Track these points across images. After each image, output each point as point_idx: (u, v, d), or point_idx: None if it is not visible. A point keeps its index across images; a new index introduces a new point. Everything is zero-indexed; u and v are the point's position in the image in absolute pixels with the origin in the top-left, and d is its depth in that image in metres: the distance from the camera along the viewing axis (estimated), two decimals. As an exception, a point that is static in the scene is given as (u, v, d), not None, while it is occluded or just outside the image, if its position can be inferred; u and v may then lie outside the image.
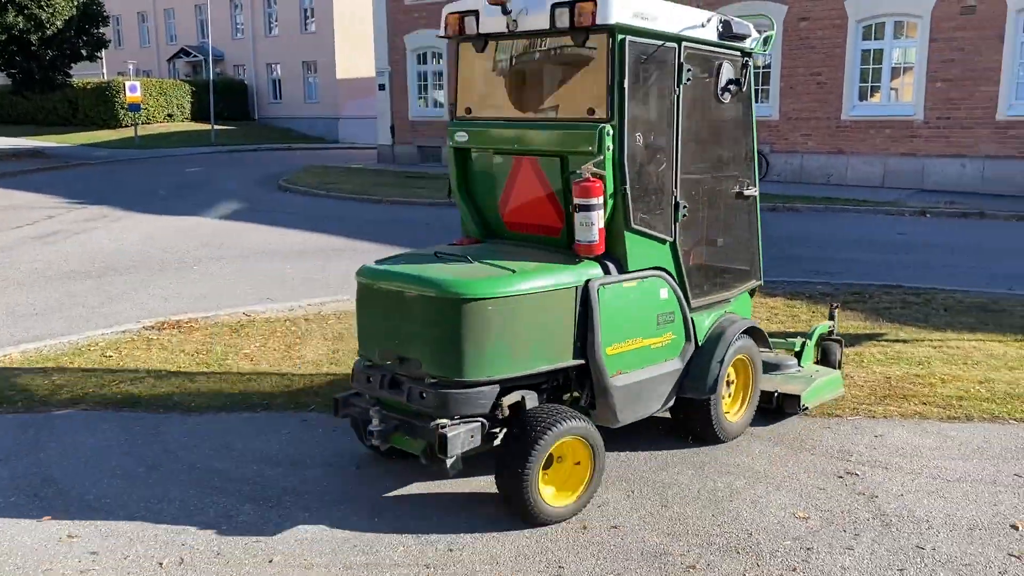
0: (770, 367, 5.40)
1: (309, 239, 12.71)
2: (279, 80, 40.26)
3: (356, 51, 35.61)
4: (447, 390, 3.83)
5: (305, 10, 37.93)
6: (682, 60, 4.39)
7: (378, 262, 4.27)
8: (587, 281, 4.13)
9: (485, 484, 4.31)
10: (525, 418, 3.90)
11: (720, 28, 4.61)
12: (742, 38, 4.76)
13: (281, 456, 4.80)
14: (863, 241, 12.15)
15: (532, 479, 3.79)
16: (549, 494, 3.92)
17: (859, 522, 4.00)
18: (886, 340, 6.99)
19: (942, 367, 6.29)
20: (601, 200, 4.12)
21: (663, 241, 4.50)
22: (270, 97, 40.87)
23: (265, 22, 39.91)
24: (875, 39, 17.59)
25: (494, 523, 3.98)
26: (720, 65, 4.69)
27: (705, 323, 4.79)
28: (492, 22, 4.37)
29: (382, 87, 25.83)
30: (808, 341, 5.63)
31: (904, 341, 6.99)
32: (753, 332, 5.04)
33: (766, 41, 4.98)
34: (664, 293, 4.47)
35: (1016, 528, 3.94)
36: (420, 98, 25.56)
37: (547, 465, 3.90)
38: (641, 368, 4.38)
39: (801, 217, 14.60)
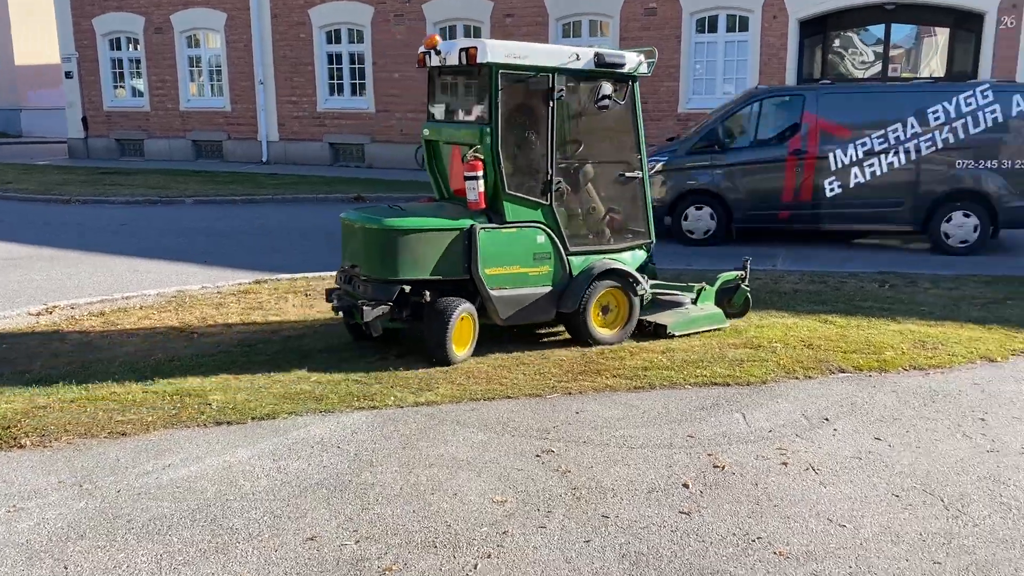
0: (669, 304, 7.26)
1: (-24, 248, 11.07)
2: (-59, 65, 34.82)
3: (38, 34, 31.72)
4: (370, 283, 6.16)
5: (-30, -14, 33.12)
6: (553, 84, 6.33)
7: (352, 209, 6.71)
8: (471, 225, 6.20)
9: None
10: (440, 303, 6.14)
11: (595, 59, 6.44)
12: (617, 65, 6.53)
13: (-86, 508, 4.05)
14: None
15: (450, 337, 6.08)
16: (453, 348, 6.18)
17: (553, 498, 4.15)
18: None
19: (630, 341, 6.78)
20: (480, 174, 6.20)
21: (539, 205, 6.44)
22: (-70, 85, 35.27)
23: (-82, -3, 34.29)
24: (574, 36, 18.73)
25: (181, 559, 3.63)
26: (599, 86, 6.51)
27: (581, 264, 6.66)
28: (435, 59, 6.63)
29: (69, 75, 23.24)
30: (708, 286, 7.35)
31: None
32: (619, 273, 6.72)
33: (649, 65, 6.77)
34: (541, 239, 6.47)
35: (687, 486, 4.30)
36: (117, 87, 23.35)
37: None
38: (518, 287, 6.42)
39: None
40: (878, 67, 19.00)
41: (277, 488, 4.25)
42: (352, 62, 20.55)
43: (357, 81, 20.64)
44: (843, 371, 6.09)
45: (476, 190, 6.20)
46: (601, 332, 6.74)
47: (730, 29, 17.61)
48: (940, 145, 10.60)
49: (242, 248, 11.22)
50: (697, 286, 7.36)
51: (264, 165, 21.06)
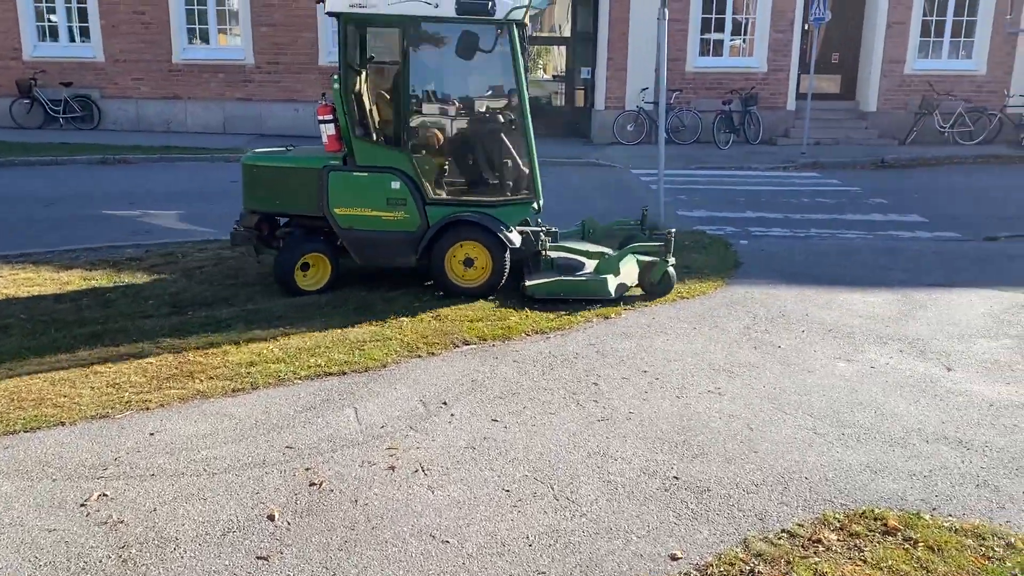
0: (568, 269, 6.91)
1: None
2: None
3: None
4: (244, 212, 6.94)
5: None
6: (406, 32, 6.35)
7: (258, 150, 7.22)
8: (324, 167, 6.51)
9: None
10: (292, 238, 6.76)
11: (456, 6, 6.23)
12: (480, 12, 6.23)
13: None
14: (195, 192, 11.49)
15: (293, 270, 6.60)
16: (306, 284, 6.69)
17: (89, 569, 3.17)
18: (165, 307, 6.33)
19: (241, 331, 5.84)
20: (329, 117, 6.55)
21: (394, 150, 6.56)
22: None
23: None
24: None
25: None
26: (463, 33, 6.18)
27: (440, 214, 6.58)
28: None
29: None
30: (608, 253, 6.95)
31: (181, 310, 6.43)
32: (477, 227, 6.55)
33: (526, 11, 6.41)
34: (396, 185, 6.52)
35: (273, 519, 3.55)
36: None
37: (304, 268, 6.71)
38: (373, 229, 6.58)
39: (134, 170, 13.31)
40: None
41: None
42: None
43: None
44: (467, 343, 5.72)
45: (326, 133, 6.61)
46: (461, 284, 6.69)
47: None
48: None
49: None
50: (599, 250, 7.10)
51: None
